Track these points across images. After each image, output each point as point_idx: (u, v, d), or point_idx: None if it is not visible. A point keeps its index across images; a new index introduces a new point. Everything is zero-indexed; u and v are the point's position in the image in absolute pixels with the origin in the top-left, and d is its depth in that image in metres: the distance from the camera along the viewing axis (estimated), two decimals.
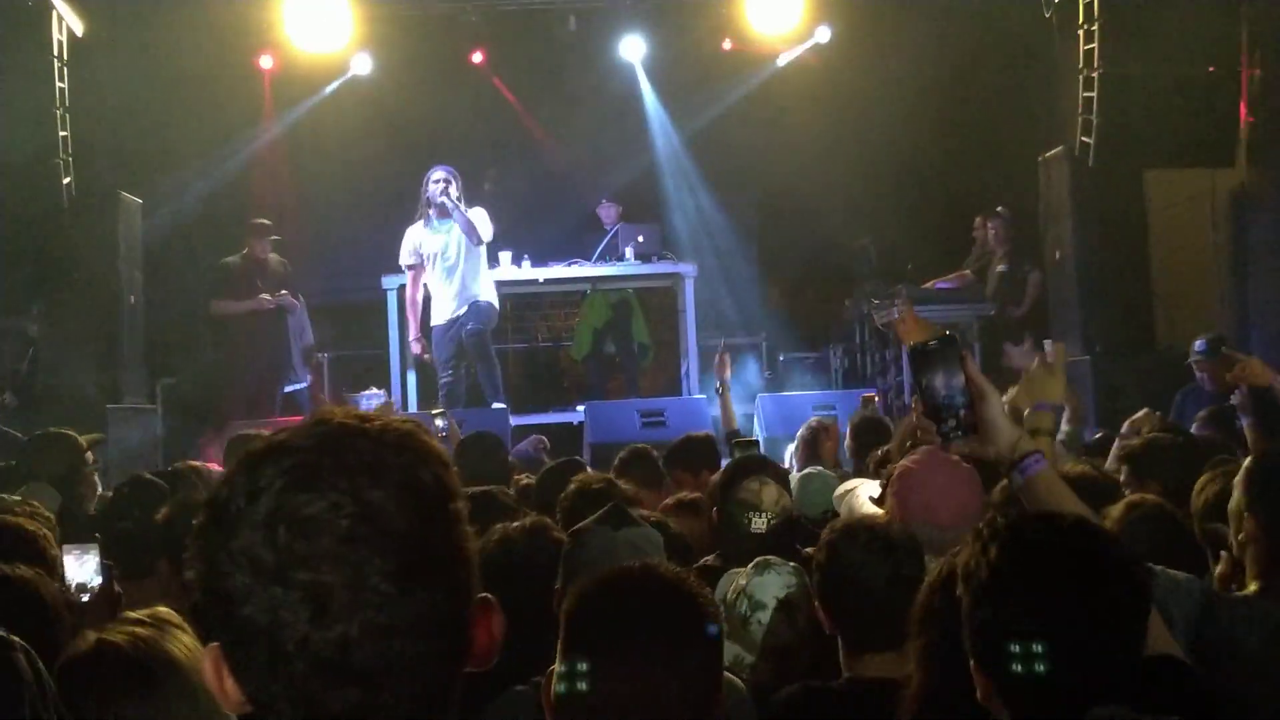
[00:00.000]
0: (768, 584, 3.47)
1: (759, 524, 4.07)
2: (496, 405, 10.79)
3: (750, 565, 3.61)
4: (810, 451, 6.75)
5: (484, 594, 1.38)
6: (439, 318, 10.80)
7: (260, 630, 1.27)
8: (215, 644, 1.31)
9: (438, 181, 10.63)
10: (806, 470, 5.77)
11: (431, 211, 10.71)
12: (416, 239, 10.84)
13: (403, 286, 11.35)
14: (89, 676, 2.32)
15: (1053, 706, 1.98)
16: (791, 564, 3.61)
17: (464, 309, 10.71)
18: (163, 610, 2.49)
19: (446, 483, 1.35)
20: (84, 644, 2.33)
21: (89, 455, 6.11)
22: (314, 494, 1.27)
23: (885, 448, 5.40)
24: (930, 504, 3.17)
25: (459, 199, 10.61)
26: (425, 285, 10.90)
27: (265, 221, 11.69)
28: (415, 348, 11.08)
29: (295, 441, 1.31)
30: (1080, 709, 1.93)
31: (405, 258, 10.90)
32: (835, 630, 3.09)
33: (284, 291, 11.55)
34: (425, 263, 10.81)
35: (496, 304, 11.06)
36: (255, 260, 11.51)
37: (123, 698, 2.30)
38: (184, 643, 2.37)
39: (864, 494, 4.09)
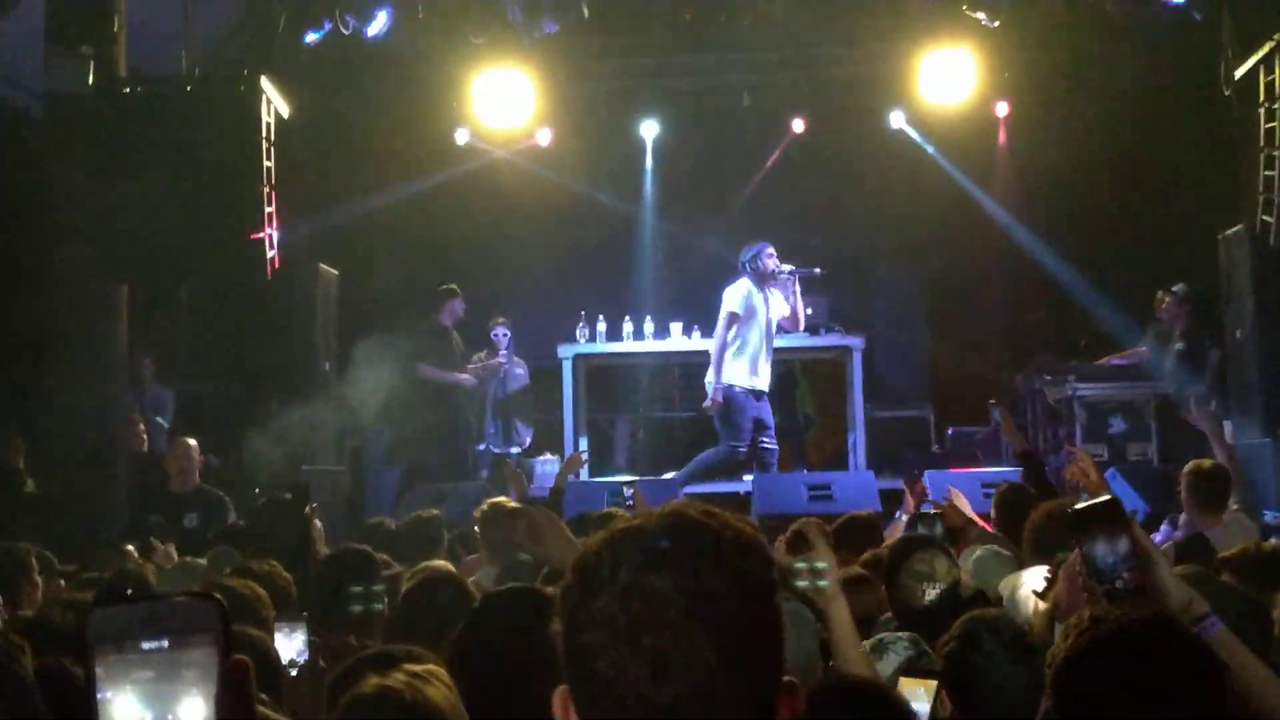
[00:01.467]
0: (883, 669, 3.54)
1: (932, 594, 4.17)
2: (668, 476, 11.08)
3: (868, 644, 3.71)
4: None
5: (788, 677, 1.59)
6: (743, 379, 10.94)
7: (609, 682, 1.52)
8: (564, 686, 1.57)
9: (773, 255, 10.98)
10: (980, 551, 5.64)
11: (768, 281, 11.01)
12: (748, 293, 10.99)
13: (580, 355, 11.80)
14: (371, 715, 2.60)
15: None
16: (907, 636, 3.70)
17: (766, 392, 11.04)
18: (430, 664, 2.80)
19: (769, 578, 1.60)
20: (367, 686, 2.61)
21: (317, 523, 6.37)
22: (663, 574, 1.52)
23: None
24: None
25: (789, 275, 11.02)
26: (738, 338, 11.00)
27: (452, 286, 12.14)
28: (717, 397, 11.03)
29: (652, 527, 1.57)
30: None
31: (735, 305, 11.00)
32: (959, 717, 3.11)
33: (484, 357, 12.07)
34: (746, 324, 10.98)
35: None
36: (445, 325, 11.99)
37: None
38: (444, 693, 2.67)
39: (1028, 582, 4.11)
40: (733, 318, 10.91)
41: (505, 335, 12.33)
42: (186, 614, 1.42)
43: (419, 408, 11.60)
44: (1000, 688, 3.11)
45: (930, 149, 13.50)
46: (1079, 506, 2.64)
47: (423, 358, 11.73)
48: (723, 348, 10.92)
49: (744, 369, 10.86)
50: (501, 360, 12.25)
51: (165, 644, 1.40)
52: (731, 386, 10.86)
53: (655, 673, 1.50)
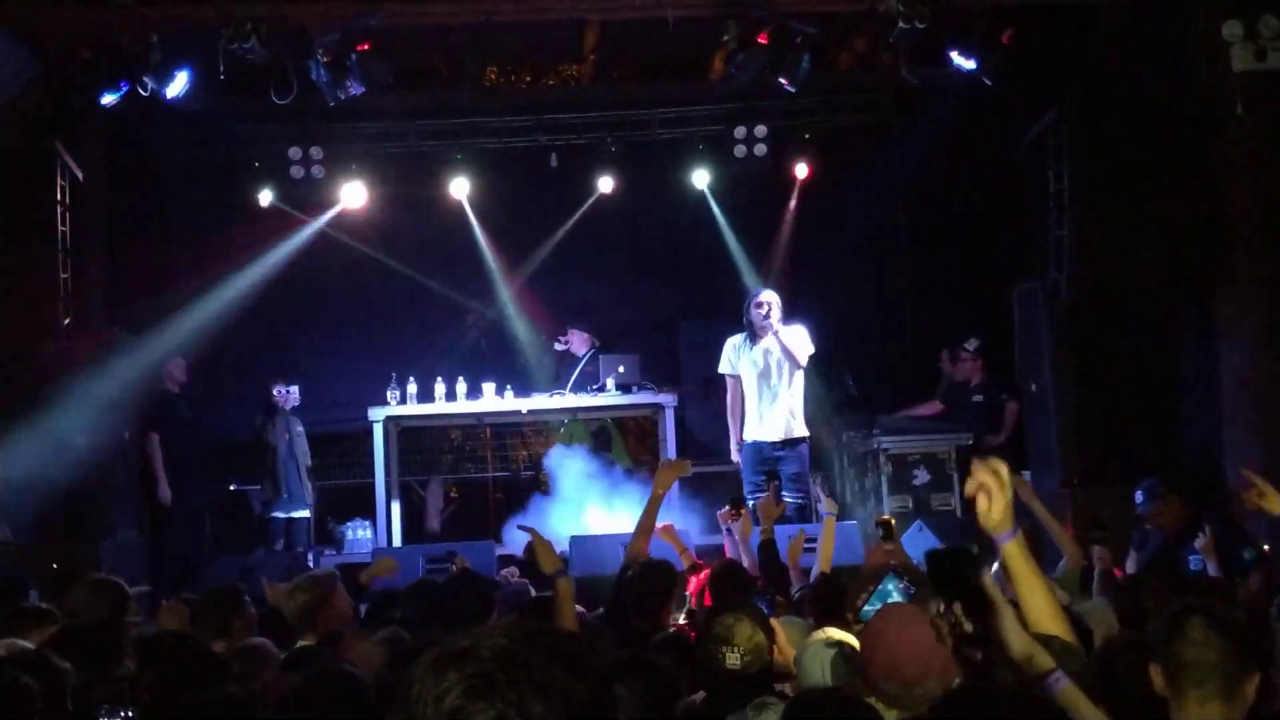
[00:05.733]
0: None
1: (734, 659, 4.07)
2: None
3: (750, 706, 3.69)
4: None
5: None
6: (748, 432, 10.80)
7: None
8: None
9: (759, 305, 10.75)
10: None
11: (757, 332, 10.78)
12: (733, 349, 10.91)
13: (391, 418, 11.67)
14: None
15: None
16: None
17: (781, 439, 10.76)
18: None
19: (602, 698, 1.60)
20: None
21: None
22: (487, 703, 1.52)
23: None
24: (896, 662, 3.31)
25: (779, 321, 10.71)
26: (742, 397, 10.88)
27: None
28: (734, 456, 10.97)
29: (479, 651, 1.56)
30: None
31: (724, 366, 10.96)
32: None
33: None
34: (743, 377, 10.84)
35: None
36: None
37: None
38: None
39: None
40: (725, 379, 10.94)
41: (289, 394, 12.19)
42: None
43: None
44: None
45: (719, 216, 13.75)
46: (932, 553, 2.70)
47: (153, 426, 11.60)
48: (727, 409, 10.95)
49: (748, 423, 10.80)
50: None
51: None
52: (742, 441, 10.84)
53: None
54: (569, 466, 12.35)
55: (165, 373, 11.80)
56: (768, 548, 7.28)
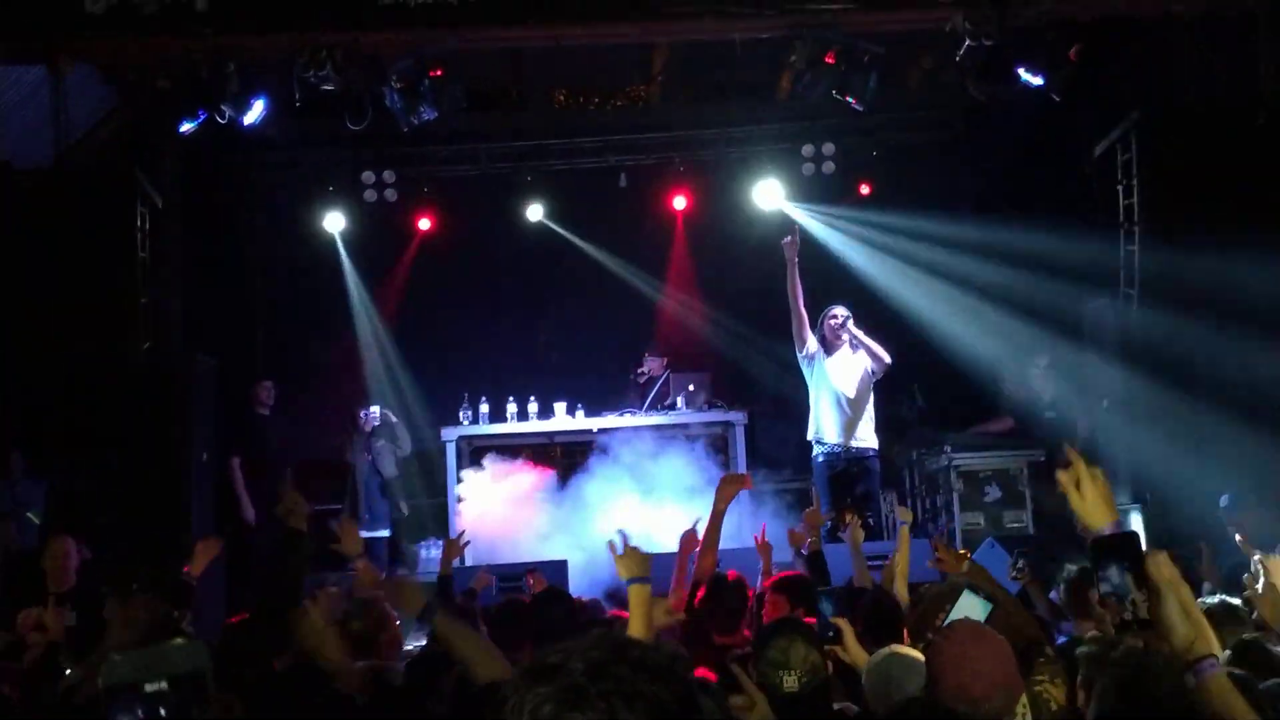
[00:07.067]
0: None
1: (791, 682, 4.08)
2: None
3: None
4: None
5: None
6: (824, 440, 10.98)
7: None
8: None
9: (834, 318, 10.97)
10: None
11: (837, 343, 10.97)
12: (809, 360, 11.03)
13: (464, 438, 11.83)
14: None
15: None
16: None
17: (853, 451, 10.93)
18: None
19: (690, 704, 1.65)
20: None
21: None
22: (579, 713, 1.57)
23: None
24: (964, 681, 3.32)
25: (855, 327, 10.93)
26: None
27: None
28: None
29: (570, 664, 1.62)
30: None
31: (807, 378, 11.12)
32: None
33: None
34: (817, 386, 11.00)
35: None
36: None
37: None
38: None
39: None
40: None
41: (370, 416, 12.38)
42: (181, 658, 1.59)
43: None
44: None
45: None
46: (1099, 535, 2.72)
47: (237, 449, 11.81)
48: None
49: (823, 432, 10.96)
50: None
51: (164, 685, 1.56)
52: (815, 456, 11.02)
53: None
54: None
55: (253, 396, 12.02)
56: (815, 559, 7.30)
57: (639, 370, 13.18)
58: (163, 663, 1.58)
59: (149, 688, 1.56)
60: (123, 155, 10.25)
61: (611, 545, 4.52)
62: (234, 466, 11.68)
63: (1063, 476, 2.91)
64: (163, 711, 1.58)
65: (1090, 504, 2.87)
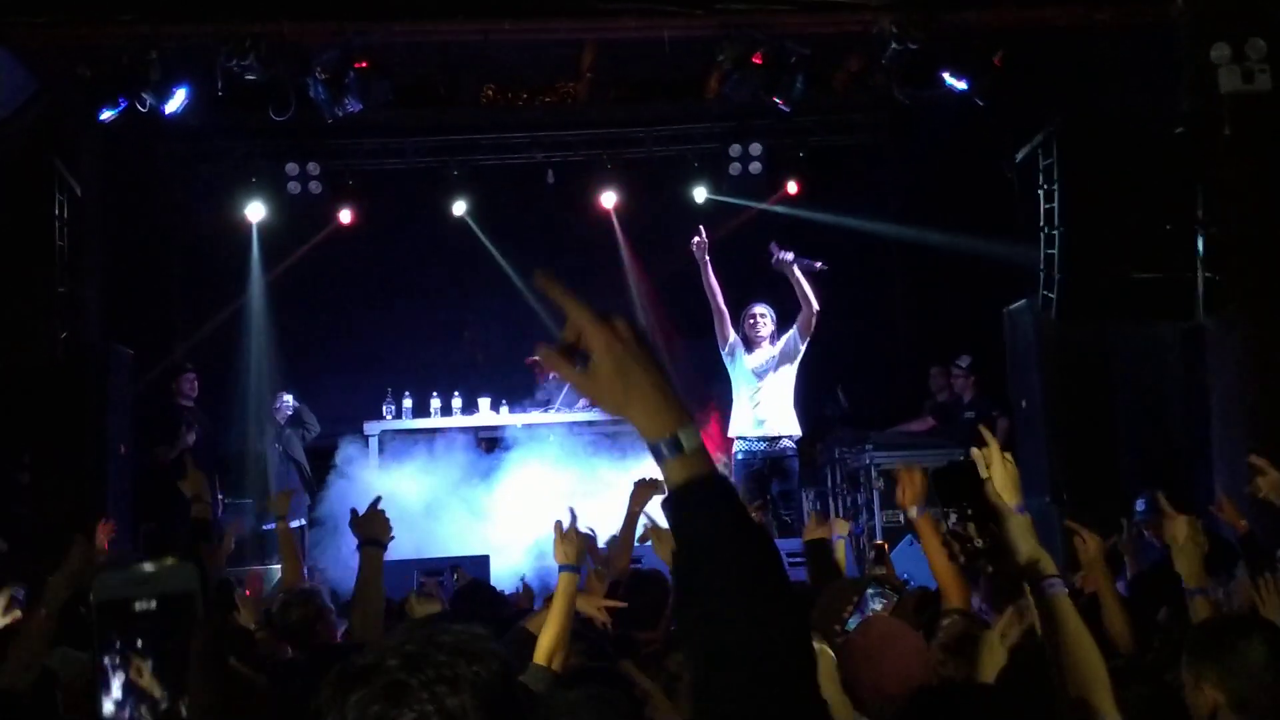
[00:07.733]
0: None
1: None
2: None
3: None
4: None
5: None
6: (741, 434, 11.18)
7: None
8: None
9: (754, 317, 11.22)
10: None
11: (757, 339, 11.19)
12: (729, 355, 11.28)
13: (386, 432, 11.74)
14: None
15: None
16: None
17: (774, 449, 11.12)
18: None
19: (509, 679, 1.67)
20: None
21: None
22: (405, 708, 1.57)
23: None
24: (880, 677, 3.36)
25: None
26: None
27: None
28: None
29: (385, 662, 1.62)
30: None
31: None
32: None
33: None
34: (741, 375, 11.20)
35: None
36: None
37: None
38: None
39: None
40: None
41: (283, 405, 12.35)
42: (170, 578, 1.56)
43: None
44: None
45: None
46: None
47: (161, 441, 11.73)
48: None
49: (742, 427, 11.18)
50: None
51: (153, 605, 1.55)
52: (735, 454, 11.22)
53: None
54: None
55: (175, 388, 11.86)
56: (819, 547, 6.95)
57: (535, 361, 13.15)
58: (154, 580, 1.56)
59: (139, 605, 1.54)
60: (41, 143, 10.06)
61: (558, 524, 4.49)
62: (160, 457, 11.52)
63: (976, 454, 2.97)
64: (153, 636, 1.57)
65: (999, 486, 2.93)
